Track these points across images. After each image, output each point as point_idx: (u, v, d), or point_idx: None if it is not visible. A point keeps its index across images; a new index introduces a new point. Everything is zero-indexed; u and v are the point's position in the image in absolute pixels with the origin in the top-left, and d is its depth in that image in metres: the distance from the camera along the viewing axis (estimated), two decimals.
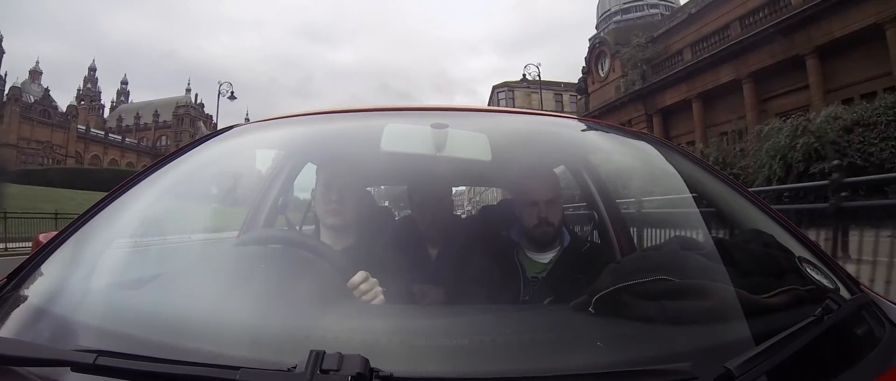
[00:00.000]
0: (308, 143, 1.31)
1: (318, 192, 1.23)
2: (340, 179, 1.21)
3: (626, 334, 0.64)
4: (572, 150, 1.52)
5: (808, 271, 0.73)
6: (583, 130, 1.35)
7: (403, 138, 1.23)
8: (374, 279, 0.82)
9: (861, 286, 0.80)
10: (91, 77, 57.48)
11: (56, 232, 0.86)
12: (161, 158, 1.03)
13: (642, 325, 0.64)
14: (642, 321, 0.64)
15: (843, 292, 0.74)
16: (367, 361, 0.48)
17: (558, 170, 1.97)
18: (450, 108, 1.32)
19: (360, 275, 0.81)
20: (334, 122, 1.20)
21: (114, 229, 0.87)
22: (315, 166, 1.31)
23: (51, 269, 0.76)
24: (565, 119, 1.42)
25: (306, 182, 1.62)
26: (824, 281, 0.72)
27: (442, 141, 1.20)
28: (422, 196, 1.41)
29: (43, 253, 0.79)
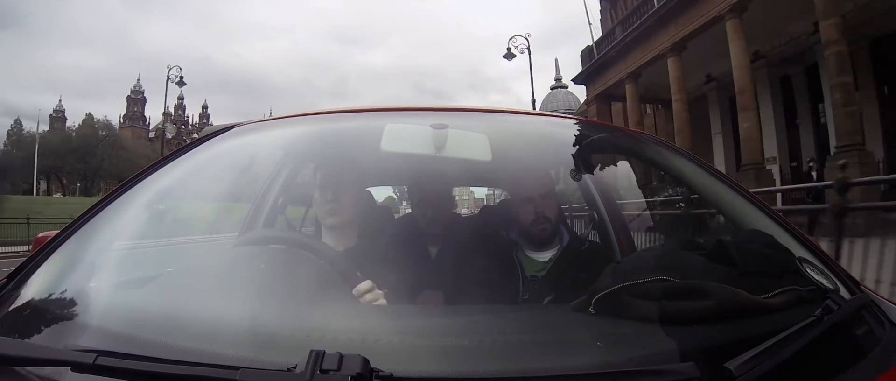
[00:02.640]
0: (307, 143, 1.31)
1: (316, 192, 1.24)
2: (338, 179, 1.21)
3: (626, 334, 0.64)
4: (572, 150, 1.52)
5: (808, 271, 0.73)
6: (582, 130, 1.35)
7: (403, 138, 1.23)
8: (380, 291, 0.83)
9: (861, 286, 0.80)
10: (180, 105, 55.54)
11: (56, 232, 0.86)
12: (161, 159, 1.03)
13: (642, 325, 0.64)
14: (642, 320, 0.64)
15: (843, 293, 0.74)
16: (367, 361, 0.48)
17: (558, 170, 1.97)
18: (449, 108, 1.32)
19: (366, 284, 0.82)
20: (334, 122, 1.21)
21: (114, 229, 0.87)
22: (314, 166, 1.31)
23: (51, 269, 0.76)
24: (565, 119, 1.42)
25: (306, 182, 1.62)
26: (824, 281, 0.72)
27: (441, 141, 1.20)
28: (422, 195, 1.41)
29: (43, 253, 0.79)
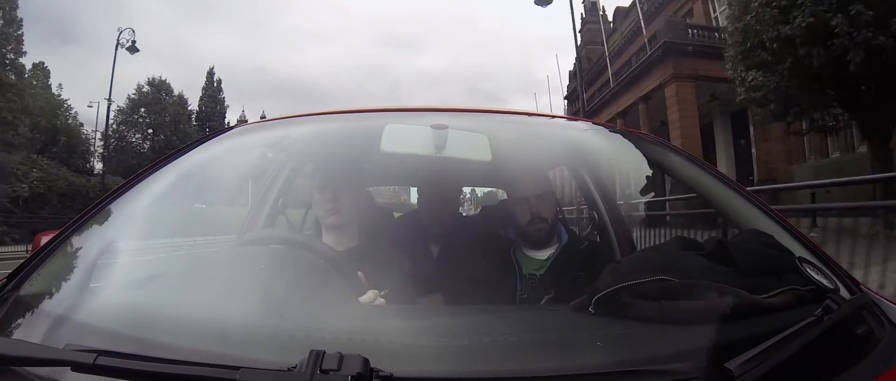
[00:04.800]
0: (308, 143, 1.31)
1: (316, 192, 1.24)
2: (338, 179, 1.21)
3: (626, 334, 0.64)
4: (572, 150, 1.52)
5: (808, 271, 0.73)
6: (582, 130, 1.35)
7: (403, 139, 1.23)
8: (382, 300, 0.83)
9: (861, 286, 0.80)
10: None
11: (56, 232, 0.86)
12: (161, 159, 1.03)
13: (642, 325, 0.64)
14: (642, 320, 0.64)
15: (843, 293, 0.74)
16: (367, 361, 0.48)
17: (557, 170, 1.97)
18: (449, 108, 1.32)
19: (370, 295, 0.82)
20: (334, 122, 1.21)
21: (114, 229, 0.87)
22: (314, 167, 1.31)
23: (51, 269, 0.76)
24: (564, 119, 1.42)
25: (306, 182, 1.62)
26: (824, 281, 0.72)
27: (441, 141, 1.20)
28: (426, 195, 1.42)
29: (43, 253, 0.79)
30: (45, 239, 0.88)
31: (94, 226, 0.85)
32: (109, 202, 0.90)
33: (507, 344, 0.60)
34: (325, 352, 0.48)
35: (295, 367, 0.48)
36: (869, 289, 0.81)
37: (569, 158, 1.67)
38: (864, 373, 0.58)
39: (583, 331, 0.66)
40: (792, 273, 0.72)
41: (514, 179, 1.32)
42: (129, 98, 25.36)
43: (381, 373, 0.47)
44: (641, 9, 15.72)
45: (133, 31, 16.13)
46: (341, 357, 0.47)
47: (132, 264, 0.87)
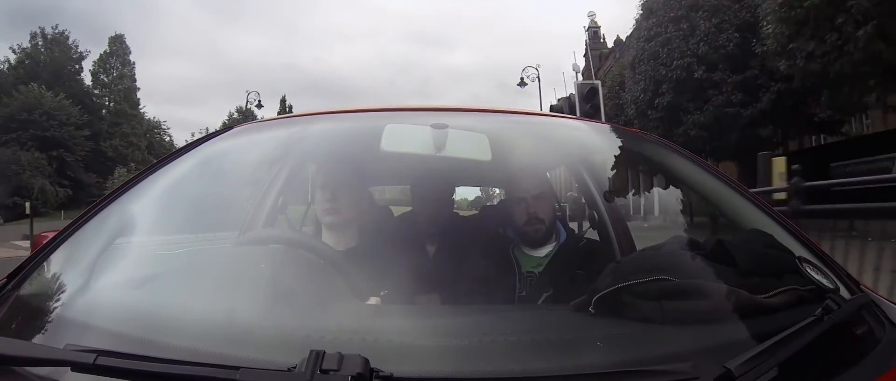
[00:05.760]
0: (307, 143, 1.31)
1: (316, 191, 1.24)
2: (337, 179, 1.21)
3: (626, 334, 0.64)
4: (571, 150, 1.52)
5: (808, 270, 0.73)
6: (582, 130, 1.35)
7: (403, 138, 1.23)
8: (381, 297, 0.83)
9: (861, 286, 0.80)
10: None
11: (56, 232, 0.86)
12: (161, 159, 1.03)
13: (642, 325, 0.64)
14: (642, 320, 0.64)
15: (843, 292, 0.74)
16: (367, 361, 0.48)
17: (556, 169, 1.97)
18: (450, 108, 1.32)
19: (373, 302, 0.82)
20: (334, 122, 1.21)
21: (114, 229, 0.87)
22: (314, 166, 1.32)
23: (51, 269, 0.76)
24: (564, 119, 1.42)
25: (306, 182, 1.62)
26: (824, 281, 0.72)
27: (441, 141, 1.20)
28: (422, 194, 1.42)
29: (43, 253, 0.79)
30: (45, 239, 0.88)
31: (94, 226, 0.85)
32: (109, 202, 0.90)
33: (506, 344, 0.60)
34: (325, 352, 0.48)
35: (295, 367, 0.48)
36: (869, 289, 0.81)
37: (568, 157, 1.67)
38: (864, 373, 0.58)
39: (583, 331, 0.66)
40: (792, 273, 0.72)
41: (513, 179, 1.32)
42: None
43: (381, 373, 0.47)
44: None
45: (258, 94, 18.69)
46: (341, 357, 0.47)
47: (132, 263, 0.87)
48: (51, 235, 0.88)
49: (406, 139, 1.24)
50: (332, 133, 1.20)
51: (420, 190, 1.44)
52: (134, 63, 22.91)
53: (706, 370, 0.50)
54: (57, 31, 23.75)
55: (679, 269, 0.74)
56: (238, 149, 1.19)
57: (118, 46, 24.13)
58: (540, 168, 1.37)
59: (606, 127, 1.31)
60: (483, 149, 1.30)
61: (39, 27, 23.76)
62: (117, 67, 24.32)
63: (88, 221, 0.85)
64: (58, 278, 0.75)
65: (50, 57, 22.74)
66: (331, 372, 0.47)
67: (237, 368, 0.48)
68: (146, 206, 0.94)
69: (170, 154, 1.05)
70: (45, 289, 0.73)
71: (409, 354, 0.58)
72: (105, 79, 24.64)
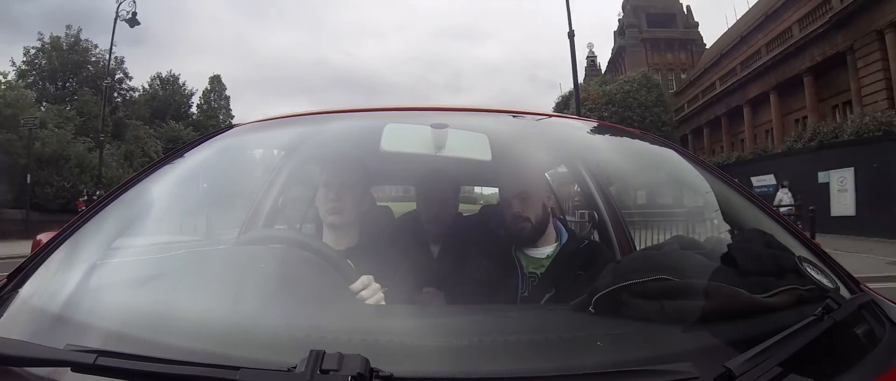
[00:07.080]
0: (308, 143, 1.31)
1: (318, 190, 1.24)
2: (338, 178, 1.21)
3: (626, 334, 0.64)
4: (571, 149, 1.52)
5: (808, 270, 0.73)
6: (582, 130, 1.35)
7: (403, 138, 1.23)
8: (377, 285, 0.82)
9: (861, 286, 0.80)
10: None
11: (56, 232, 0.86)
12: (161, 159, 1.03)
13: (642, 325, 0.64)
14: (642, 320, 0.64)
15: (844, 292, 0.74)
16: (367, 361, 0.47)
17: (558, 170, 1.97)
18: (450, 108, 1.32)
19: (361, 281, 0.81)
20: (334, 121, 1.20)
21: (114, 229, 0.87)
22: (315, 166, 1.31)
23: (51, 269, 0.76)
24: (564, 119, 1.42)
25: (306, 182, 1.62)
26: (824, 281, 0.72)
27: (441, 141, 1.20)
28: (425, 194, 1.42)
29: (43, 253, 0.79)
30: (45, 239, 0.88)
31: (93, 226, 0.84)
32: (109, 202, 0.89)
33: (507, 344, 0.60)
34: (325, 352, 0.48)
35: (295, 367, 0.48)
36: (869, 288, 0.81)
37: (568, 156, 1.67)
38: (864, 373, 0.58)
39: (583, 331, 0.66)
40: (792, 273, 0.72)
41: (504, 179, 1.33)
42: None
43: (381, 373, 0.47)
44: None
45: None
46: (341, 357, 0.47)
47: (132, 263, 0.87)
48: (51, 235, 0.87)
49: (406, 139, 1.24)
50: (333, 133, 1.20)
51: (424, 190, 1.44)
52: (229, 97, 28.19)
53: (706, 370, 0.50)
54: (169, 73, 27.85)
55: (679, 269, 0.74)
56: (238, 149, 1.19)
57: (216, 84, 28.81)
58: (536, 167, 1.36)
59: (606, 126, 1.31)
60: (483, 148, 1.30)
61: (157, 72, 27.89)
62: (216, 101, 28.96)
63: (88, 221, 0.85)
64: (57, 279, 0.74)
65: (166, 95, 27.10)
66: (331, 372, 0.47)
67: (237, 368, 0.48)
68: (146, 206, 0.94)
69: (170, 154, 1.05)
70: (45, 289, 0.73)
71: (409, 354, 0.58)
72: (206, 109, 28.97)
